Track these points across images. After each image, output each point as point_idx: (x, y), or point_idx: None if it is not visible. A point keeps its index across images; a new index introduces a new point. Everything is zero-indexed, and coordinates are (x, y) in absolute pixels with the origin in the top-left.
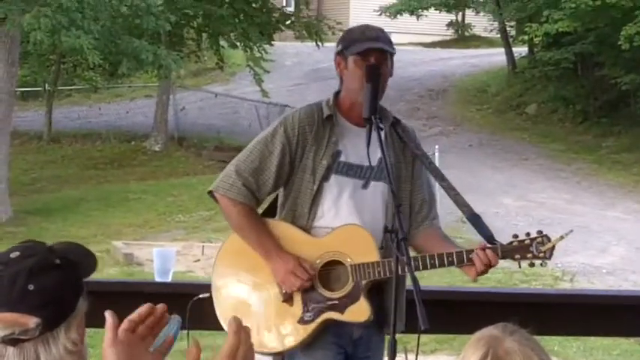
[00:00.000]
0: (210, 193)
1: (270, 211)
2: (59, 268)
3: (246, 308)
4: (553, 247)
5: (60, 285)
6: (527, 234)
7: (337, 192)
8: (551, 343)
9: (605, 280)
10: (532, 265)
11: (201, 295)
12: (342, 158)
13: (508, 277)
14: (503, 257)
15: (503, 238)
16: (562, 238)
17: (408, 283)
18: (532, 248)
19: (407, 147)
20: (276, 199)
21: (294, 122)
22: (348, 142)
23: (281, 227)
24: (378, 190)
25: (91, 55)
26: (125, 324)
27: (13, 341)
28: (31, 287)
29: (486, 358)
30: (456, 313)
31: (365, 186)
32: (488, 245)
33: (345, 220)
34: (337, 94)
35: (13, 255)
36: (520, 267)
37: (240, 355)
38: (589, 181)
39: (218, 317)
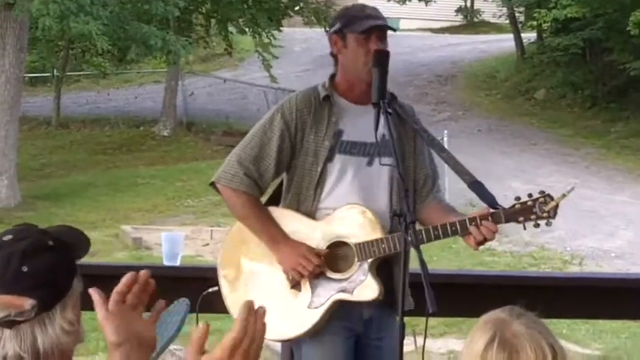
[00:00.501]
0: (213, 184)
1: (275, 198)
2: (52, 250)
3: (255, 297)
4: (557, 206)
5: (54, 266)
6: (529, 195)
7: (341, 171)
8: (560, 326)
9: (614, 264)
10: (537, 225)
11: (210, 290)
12: (345, 137)
13: (517, 260)
14: (507, 221)
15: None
16: (564, 196)
17: (414, 265)
18: (535, 209)
19: (406, 123)
20: (280, 186)
21: (291, 107)
22: (348, 121)
23: (284, 214)
24: (384, 166)
25: (100, 41)
26: (114, 296)
27: (9, 323)
28: (24, 269)
29: (493, 341)
30: (465, 297)
31: (370, 163)
32: (492, 210)
33: (350, 199)
34: (333, 76)
35: (5, 238)
36: (525, 229)
37: (243, 348)
38: (597, 165)
39: (227, 308)
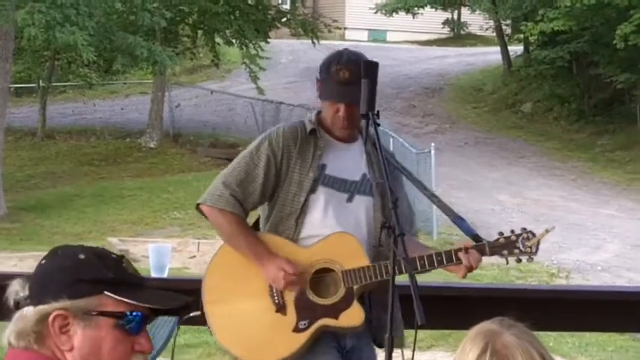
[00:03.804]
0: (198, 207)
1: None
2: (73, 259)
3: (240, 321)
4: (538, 242)
5: (56, 270)
6: (512, 231)
7: (324, 204)
8: (547, 339)
9: (600, 277)
10: (519, 260)
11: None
12: (327, 172)
13: (504, 273)
14: (492, 254)
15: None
16: (547, 232)
17: (402, 278)
18: (518, 244)
19: (387, 162)
20: (256, 222)
21: (278, 136)
22: (332, 157)
23: (270, 238)
24: (362, 204)
25: (86, 52)
26: None
27: (15, 303)
28: (43, 261)
29: (485, 353)
30: (453, 309)
31: (350, 199)
32: (476, 243)
33: (331, 231)
34: (319, 113)
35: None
36: (507, 263)
37: None
38: (584, 179)
39: (212, 331)
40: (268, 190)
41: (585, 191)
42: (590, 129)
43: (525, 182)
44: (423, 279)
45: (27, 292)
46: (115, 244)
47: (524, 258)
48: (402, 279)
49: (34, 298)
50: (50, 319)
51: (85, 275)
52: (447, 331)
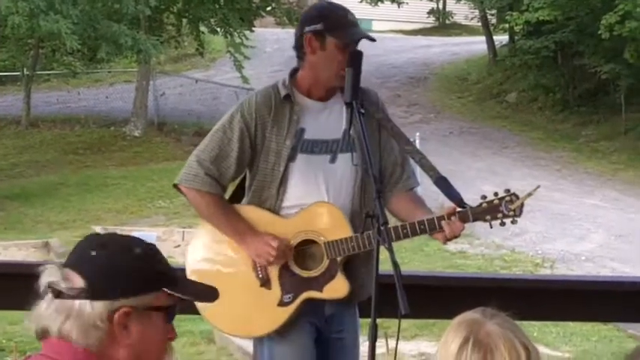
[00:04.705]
0: (176, 186)
1: (236, 196)
2: (132, 254)
3: (226, 298)
4: (522, 204)
5: (117, 264)
6: (495, 194)
7: (304, 171)
8: (531, 328)
9: (584, 267)
10: (503, 224)
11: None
12: (306, 136)
13: (488, 263)
14: (475, 219)
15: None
16: (530, 194)
17: (386, 267)
18: (502, 207)
19: (369, 112)
20: (241, 183)
21: (250, 106)
22: (309, 119)
23: (250, 211)
24: (346, 162)
25: (70, 40)
26: None
27: (56, 292)
28: (92, 253)
29: (468, 342)
30: (437, 299)
31: (332, 160)
32: (459, 209)
33: (315, 197)
34: (294, 73)
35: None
36: (491, 227)
37: None
38: (568, 169)
39: (199, 310)
40: (244, 162)
41: (570, 181)
42: (575, 119)
43: (510, 172)
44: (407, 268)
45: (82, 285)
46: (99, 232)
47: (507, 221)
48: (387, 269)
49: (93, 293)
50: (116, 315)
51: (145, 272)
52: (431, 321)
